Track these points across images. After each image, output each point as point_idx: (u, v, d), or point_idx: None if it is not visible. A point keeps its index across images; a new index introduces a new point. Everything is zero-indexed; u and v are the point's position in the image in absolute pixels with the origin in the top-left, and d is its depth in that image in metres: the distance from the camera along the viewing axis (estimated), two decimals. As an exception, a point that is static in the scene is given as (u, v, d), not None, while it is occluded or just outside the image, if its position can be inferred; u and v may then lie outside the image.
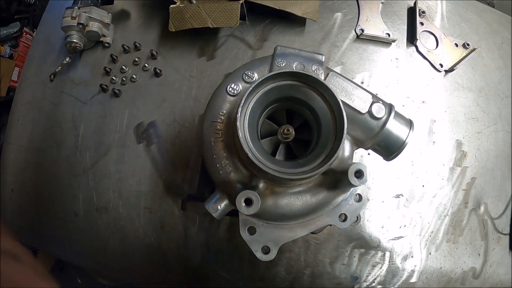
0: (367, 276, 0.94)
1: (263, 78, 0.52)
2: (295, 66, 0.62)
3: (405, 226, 0.97)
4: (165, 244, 0.94)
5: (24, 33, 1.88)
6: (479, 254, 1.01)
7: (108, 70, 1.04)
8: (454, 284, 0.99)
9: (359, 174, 0.55)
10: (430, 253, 0.97)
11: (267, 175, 0.52)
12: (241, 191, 0.53)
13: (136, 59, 1.04)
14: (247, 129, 0.53)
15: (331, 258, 0.92)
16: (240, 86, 0.62)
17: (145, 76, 1.03)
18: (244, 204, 0.52)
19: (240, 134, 0.50)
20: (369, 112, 0.62)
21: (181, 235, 0.93)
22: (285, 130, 0.61)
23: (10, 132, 1.07)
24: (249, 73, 0.62)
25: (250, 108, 0.55)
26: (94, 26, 1.01)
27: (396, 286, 0.95)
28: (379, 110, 0.62)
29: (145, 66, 1.03)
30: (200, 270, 0.93)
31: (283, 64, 0.62)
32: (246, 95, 0.52)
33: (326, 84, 0.54)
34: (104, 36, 1.05)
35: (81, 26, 0.98)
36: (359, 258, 0.93)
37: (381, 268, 0.94)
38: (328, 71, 0.63)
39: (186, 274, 0.93)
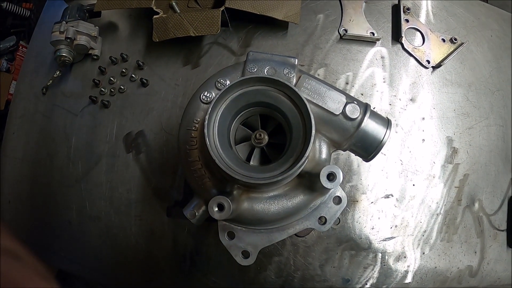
0: (359, 278, 0.93)
1: (229, 86, 0.53)
2: (266, 71, 0.62)
3: (396, 226, 0.95)
4: (156, 250, 0.95)
5: (20, 47, 1.92)
6: (475, 252, 0.99)
7: (97, 82, 1.06)
8: (451, 284, 0.97)
9: (332, 176, 0.55)
10: (424, 253, 0.96)
11: (237, 180, 0.53)
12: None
13: (124, 70, 1.06)
14: (216, 136, 0.54)
15: (320, 261, 0.91)
16: (213, 93, 0.62)
17: (132, 86, 1.05)
18: (216, 209, 0.52)
19: (208, 141, 0.51)
20: (343, 113, 0.62)
21: (171, 242, 0.94)
22: (257, 135, 0.61)
23: (6, 145, 1.10)
24: (222, 80, 0.62)
25: (219, 115, 0.55)
26: (82, 40, 1.03)
27: (390, 287, 0.94)
28: (353, 111, 0.62)
29: (132, 76, 1.05)
30: (191, 276, 0.93)
31: (255, 70, 0.62)
32: (213, 103, 0.52)
33: (292, 86, 0.54)
34: (92, 48, 1.07)
35: (69, 40, 1.01)
36: (350, 260, 0.92)
37: (373, 269, 0.93)
38: (300, 73, 0.63)
39: (177, 280, 0.94)
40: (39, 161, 1.06)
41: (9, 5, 1.96)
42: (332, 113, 0.62)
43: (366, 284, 0.93)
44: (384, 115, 0.70)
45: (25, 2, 2.07)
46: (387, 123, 0.66)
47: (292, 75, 0.62)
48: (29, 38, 2.02)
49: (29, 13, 2.03)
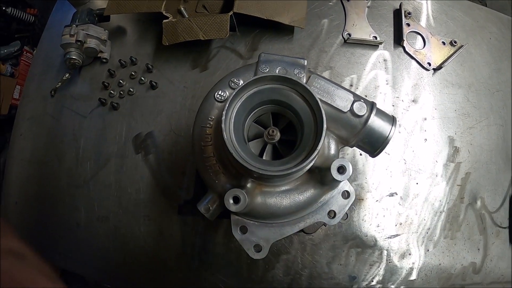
0: (365, 275, 0.94)
1: (245, 83, 0.55)
2: (278, 71, 0.65)
3: (401, 224, 0.97)
4: (164, 250, 0.96)
5: (25, 52, 1.94)
6: (479, 249, 1.01)
7: (106, 84, 1.08)
8: (455, 280, 0.98)
9: (342, 169, 0.57)
10: (428, 250, 0.98)
11: (252, 173, 0.55)
12: (230, 190, 0.56)
13: (133, 73, 1.08)
14: (232, 131, 0.56)
15: (327, 259, 0.93)
16: (227, 92, 0.65)
17: (141, 89, 1.07)
18: (232, 202, 0.54)
19: (225, 136, 0.53)
20: (351, 111, 0.65)
21: (179, 241, 0.95)
22: (270, 132, 0.63)
23: (13, 147, 1.12)
24: (235, 79, 0.65)
25: (235, 112, 0.58)
26: (91, 43, 1.06)
27: (395, 284, 0.95)
28: (360, 108, 0.65)
29: (142, 79, 1.07)
30: (199, 275, 0.94)
31: (267, 70, 0.65)
32: (230, 99, 0.55)
33: (304, 85, 0.56)
34: (101, 52, 1.10)
35: (79, 43, 1.03)
36: (356, 257, 0.94)
37: (379, 267, 0.95)
38: (310, 73, 0.66)
39: (186, 279, 0.95)
40: (46, 163, 1.08)
41: (13, 11, 1.99)
42: (340, 110, 0.64)
43: (372, 281, 0.94)
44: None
45: (29, 7, 2.11)
46: (392, 120, 0.69)
47: (302, 75, 0.65)
48: (34, 43, 2.06)
49: (33, 19, 2.06)
